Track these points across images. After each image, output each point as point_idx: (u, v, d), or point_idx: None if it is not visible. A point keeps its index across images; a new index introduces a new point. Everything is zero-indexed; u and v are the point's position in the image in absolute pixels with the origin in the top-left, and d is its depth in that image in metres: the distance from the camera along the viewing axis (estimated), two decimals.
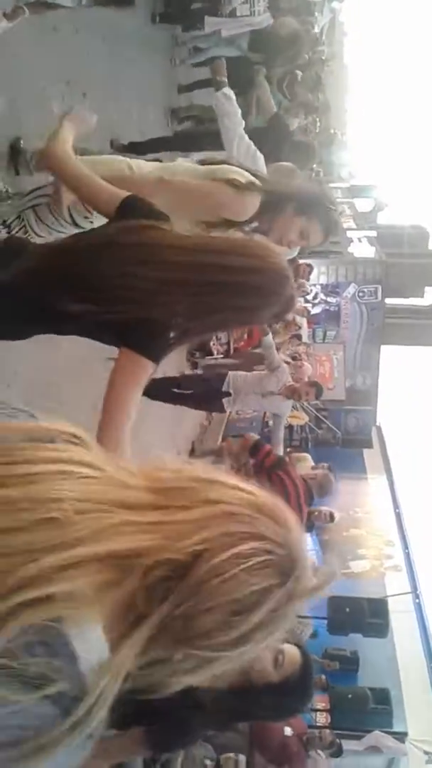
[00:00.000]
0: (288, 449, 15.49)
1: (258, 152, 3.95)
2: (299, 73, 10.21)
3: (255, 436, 6.44)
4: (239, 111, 4.22)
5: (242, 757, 4.69)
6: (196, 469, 1.12)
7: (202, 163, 3.08)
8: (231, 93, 4.18)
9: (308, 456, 9.03)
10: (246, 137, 4.00)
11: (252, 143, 4.00)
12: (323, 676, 7.70)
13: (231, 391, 6.53)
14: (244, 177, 2.91)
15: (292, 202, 3.09)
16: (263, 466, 5.18)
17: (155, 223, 2.08)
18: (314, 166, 14.80)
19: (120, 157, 3.15)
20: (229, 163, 3.06)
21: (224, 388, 6.52)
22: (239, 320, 2.34)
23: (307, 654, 2.31)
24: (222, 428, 9.85)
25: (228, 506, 1.05)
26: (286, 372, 6.73)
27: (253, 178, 2.94)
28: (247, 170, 3.02)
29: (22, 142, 4.55)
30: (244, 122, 4.12)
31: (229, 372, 6.83)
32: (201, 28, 7.44)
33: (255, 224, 3.03)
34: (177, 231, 2.17)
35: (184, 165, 3.12)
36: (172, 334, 2.04)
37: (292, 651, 2.21)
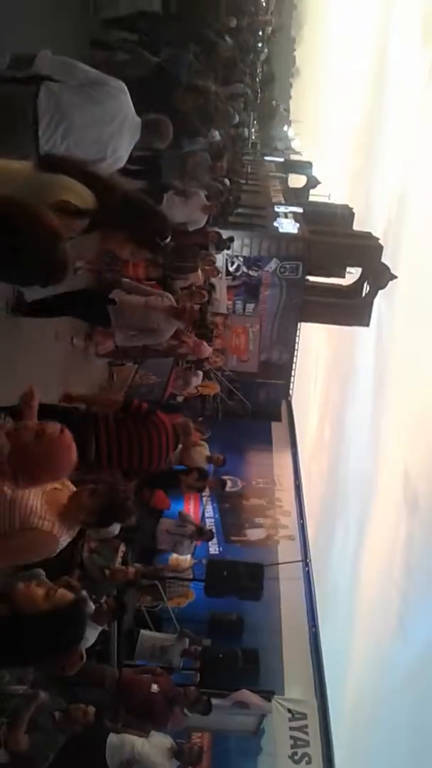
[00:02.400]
0: (200, 418, 15.71)
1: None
2: (221, 41, 10.11)
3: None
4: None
5: (92, 708, 4.81)
6: None
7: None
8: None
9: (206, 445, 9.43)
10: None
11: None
12: (197, 648, 7.94)
13: (116, 300, 6.38)
14: (78, 196, 2.79)
15: (124, 231, 3.12)
16: (139, 415, 5.33)
17: None
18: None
19: None
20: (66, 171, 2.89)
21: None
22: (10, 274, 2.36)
23: (80, 598, 2.54)
24: (124, 389, 9.83)
25: None
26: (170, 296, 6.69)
27: (86, 201, 2.81)
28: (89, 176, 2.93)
29: None
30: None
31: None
32: None
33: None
34: None
35: (17, 177, 2.81)
36: None
37: (65, 592, 2.44)
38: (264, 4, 27.72)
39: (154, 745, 6.03)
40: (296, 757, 7.90)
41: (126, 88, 4.09)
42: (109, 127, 3.92)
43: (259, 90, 36.35)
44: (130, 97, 4.08)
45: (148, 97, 4.77)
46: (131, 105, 4.09)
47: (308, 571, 11.87)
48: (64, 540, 2.84)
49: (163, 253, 8.60)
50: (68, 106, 3.70)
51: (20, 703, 3.85)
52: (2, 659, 2.62)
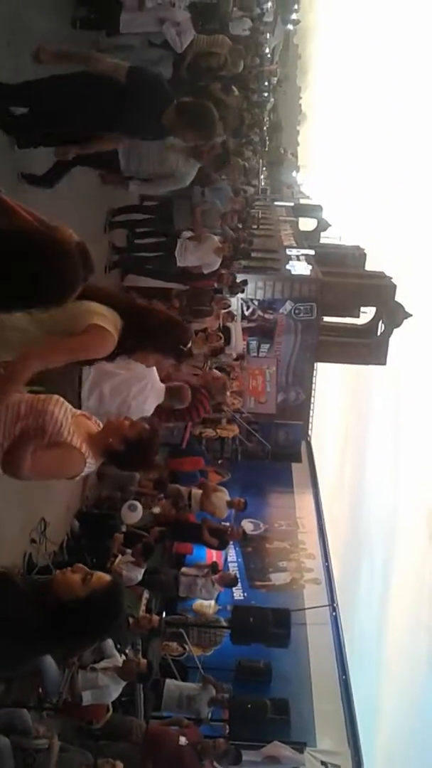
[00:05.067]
0: (219, 461, 15.61)
1: None
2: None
3: None
4: None
5: (120, 763, 4.66)
6: None
7: None
8: None
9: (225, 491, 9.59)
10: None
11: None
12: (224, 695, 7.73)
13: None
14: (106, 319, 3.09)
15: (148, 344, 3.51)
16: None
17: None
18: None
19: None
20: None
21: None
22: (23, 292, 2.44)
23: (117, 580, 2.65)
24: None
25: None
26: None
27: (113, 323, 3.12)
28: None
29: None
30: None
31: None
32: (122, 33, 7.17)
33: None
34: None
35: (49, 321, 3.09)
36: None
37: (102, 575, 2.52)
38: (269, 54, 28.55)
39: None
40: None
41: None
42: (134, 388, 4.61)
43: (266, 138, 37.21)
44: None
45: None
46: (156, 373, 4.80)
47: (336, 615, 11.60)
48: (90, 465, 2.91)
49: (181, 308, 8.78)
50: (102, 376, 4.41)
51: (45, 760, 3.77)
52: (43, 645, 2.60)
